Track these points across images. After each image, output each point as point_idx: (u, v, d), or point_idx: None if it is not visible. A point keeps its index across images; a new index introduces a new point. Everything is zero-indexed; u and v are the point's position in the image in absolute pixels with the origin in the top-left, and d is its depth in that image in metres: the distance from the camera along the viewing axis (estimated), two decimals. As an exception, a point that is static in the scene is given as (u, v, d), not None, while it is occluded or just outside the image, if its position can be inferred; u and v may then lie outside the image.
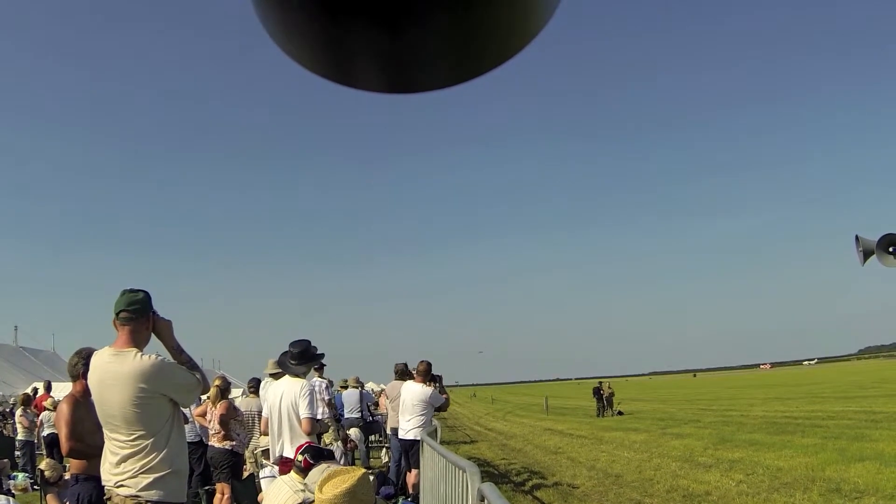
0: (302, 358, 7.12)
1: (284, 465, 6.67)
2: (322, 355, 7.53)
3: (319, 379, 11.32)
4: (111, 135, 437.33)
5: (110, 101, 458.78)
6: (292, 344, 7.19)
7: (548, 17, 0.65)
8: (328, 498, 3.42)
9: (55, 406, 11.34)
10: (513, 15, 0.61)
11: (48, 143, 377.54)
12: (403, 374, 11.49)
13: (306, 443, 5.78)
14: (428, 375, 10.75)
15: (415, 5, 0.57)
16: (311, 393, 7.00)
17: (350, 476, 3.55)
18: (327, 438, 9.33)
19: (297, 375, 7.06)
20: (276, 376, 8.50)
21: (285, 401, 6.85)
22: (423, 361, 10.79)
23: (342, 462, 8.69)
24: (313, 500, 5.21)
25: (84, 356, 5.48)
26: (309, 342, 7.26)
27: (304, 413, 6.75)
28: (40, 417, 15.37)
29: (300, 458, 5.29)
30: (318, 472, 4.07)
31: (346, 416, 14.50)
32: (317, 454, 5.35)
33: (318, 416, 7.61)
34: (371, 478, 3.61)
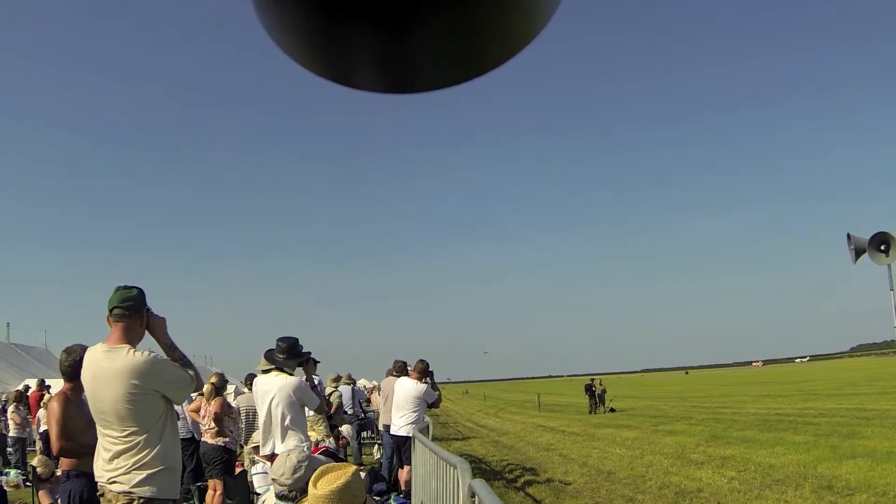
0: (290, 353, 7.14)
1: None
2: (308, 353, 7.54)
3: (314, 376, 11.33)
4: (103, 132, 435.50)
5: (103, 99, 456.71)
6: (280, 339, 7.20)
7: (549, 17, 0.65)
8: (323, 494, 3.43)
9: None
10: (514, 14, 0.61)
11: (39, 141, 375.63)
12: (402, 371, 11.52)
13: (324, 447, 5.98)
14: (425, 374, 10.84)
15: (415, 4, 0.57)
16: (307, 389, 7.17)
17: (343, 473, 3.56)
18: (319, 434, 9.32)
19: (282, 370, 7.07)
20: (268, 373, 8.53)
21: (277, 397, 6.85)
22: (421, 360, 10.93)
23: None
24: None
25: (73, 354, 5.49)
26: (297, 340, 7.27)
27: (313, 407, 7.30)
28: (38, 414, 15.36)
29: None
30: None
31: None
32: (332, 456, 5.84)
33: (310, 414, 7.67)
34: (363, 474, 3.64)
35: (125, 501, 4.04)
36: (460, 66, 0.65)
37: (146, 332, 4.39)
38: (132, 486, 4.04)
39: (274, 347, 7.23)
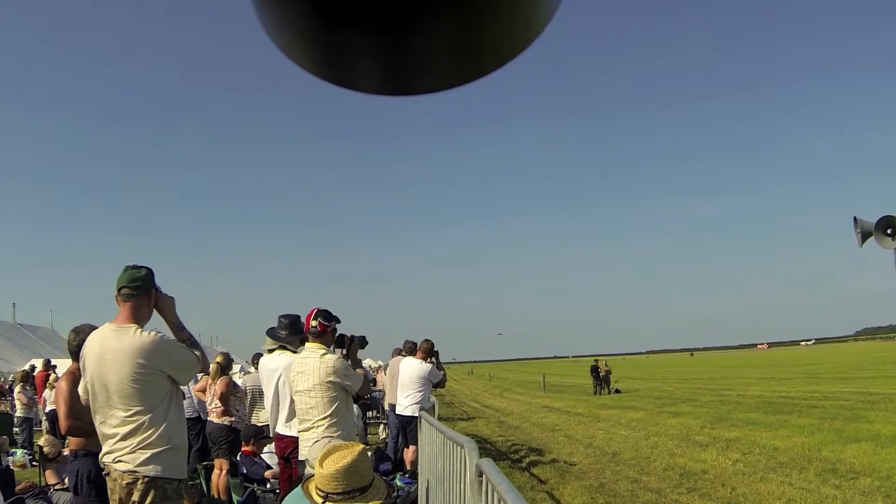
0: (292, 329, 7.12)
1: (280, 440, 6.70)
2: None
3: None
4: (110, 115, 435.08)
5: (108, 85, 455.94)
6: (282, 316, 7.20)
7: (548, 19, 0.64)
8: (330, 473, 3.43)
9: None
10: (514, 16, 0.60)
11: (47, 125, 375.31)
12: (412, 351, 11.54)
13: (316, 308, 5.85)
14: (430, 354, 10.86)
15: (415, 7, 0.55)
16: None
17: (350, 451, 3.56)
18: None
19: (286, 348, 7.07)
20: (273, 352, 8.54)
21: (284, 376, 6.84)
22: (426, 340, 10.96)
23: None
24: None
25: (81, 334, 5.49)
26: (298, 317, 7.25)
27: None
28: (44, 394, 15.43)
29: (314, 322, 5.68)
30: (319, 448, 4.11)
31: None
32: (329, 316, 5.74)
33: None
34: (369, 454, 3.63)
35: (130, 480, 4.05)
36: (460, 69, 0.64)
37: (155, 312, 4.40)
38: (137, 465, 4.04)
39: (272, 327, 7.24)
